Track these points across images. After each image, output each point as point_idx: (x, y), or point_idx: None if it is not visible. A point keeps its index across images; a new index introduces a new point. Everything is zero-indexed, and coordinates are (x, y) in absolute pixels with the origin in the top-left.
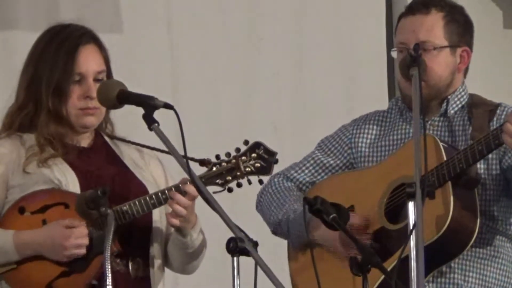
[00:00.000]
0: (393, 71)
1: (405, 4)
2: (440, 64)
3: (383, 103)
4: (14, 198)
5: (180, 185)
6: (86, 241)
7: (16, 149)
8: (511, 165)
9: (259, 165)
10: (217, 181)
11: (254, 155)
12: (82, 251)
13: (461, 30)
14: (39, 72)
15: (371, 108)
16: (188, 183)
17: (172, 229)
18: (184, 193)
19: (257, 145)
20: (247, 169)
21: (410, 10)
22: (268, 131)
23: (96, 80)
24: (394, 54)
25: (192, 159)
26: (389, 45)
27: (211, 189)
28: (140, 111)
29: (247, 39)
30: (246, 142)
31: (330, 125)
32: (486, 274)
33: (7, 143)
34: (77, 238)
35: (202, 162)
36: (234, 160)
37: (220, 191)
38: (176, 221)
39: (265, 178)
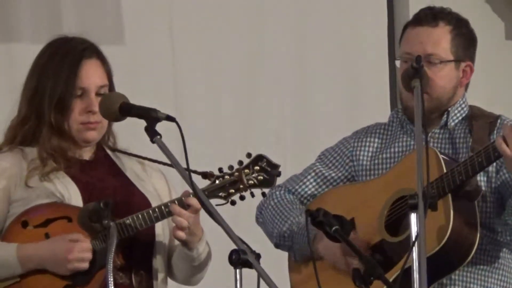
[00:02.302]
0: (395, 81)
1: (407, 14)
2: (444, 77)
3: (385, 113)
4: (17, 212)
5: (182, 198)
6: (89, 255)
7: (18, 162)
8: (504, 181)
9: (262, 178)
10: (220, 194)
11: (257, 168)
12: (85, 265)
13: (467, 44)
14: (41, 85)
15: (374, 118)
16: (190, 195)
17: (176, 242)
18: (186, 206)
19: (260, 158)
20: (250, 182)
21: (418, 21)
22: (271, 142)
23: (98, 94)
24: (397, 63)
25: (195, 172)
26: (391, 55)
27: (213, 202)
28: (142, 123)
29: (249, 50)
30: (249, 155)
31: (333, 135)
32: (488, 286)
33: (9, 157)
34: (80, 252)
35: (205, 175)
36: (237, 173)
37: (223, 204)
38: (181, 234)
39: (268, 191)
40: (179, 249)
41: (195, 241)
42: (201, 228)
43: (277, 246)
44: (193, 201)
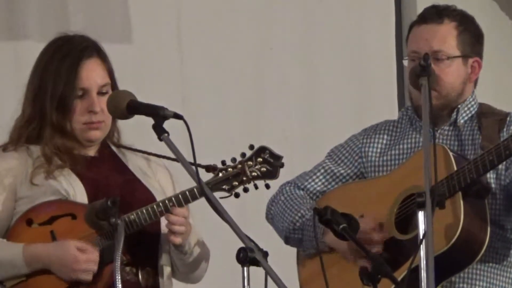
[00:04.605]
0: (402, 80)
1: (415, 13)
2: (452, 74)
3: (393, 112)
4: (22, 209)
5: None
6: (94, 267)
7: (24, 160)
8: None
9: (265, 169)
10: (224, 186)
11: (259, 159)
12: (89, 277)
13: (473, 40)
14: (43, 86)
15: (381, 117)
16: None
17: None
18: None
19: (263, 150)
20: (253, 173)
21: (423, 19)
22: (279, 141)
23: (100, 93)
24: (405, 62)
25: (199, 165)
26: (399, 54)
27: (217, 194)
28: (147, 120)
29: (257, 48)
30: (251, 147)
31: (340, 134)
32: (495, 283)
33: (14, 155)
34: (86, 263)
35: (208, 168)
36: (240, 165)
37: (226, 197)
38: (179, 239)
39: (272, 182)
40: (172, 247)
41: (185, 238)
42: (189, 223)
43: (287, 239)
44: (180, 212)
